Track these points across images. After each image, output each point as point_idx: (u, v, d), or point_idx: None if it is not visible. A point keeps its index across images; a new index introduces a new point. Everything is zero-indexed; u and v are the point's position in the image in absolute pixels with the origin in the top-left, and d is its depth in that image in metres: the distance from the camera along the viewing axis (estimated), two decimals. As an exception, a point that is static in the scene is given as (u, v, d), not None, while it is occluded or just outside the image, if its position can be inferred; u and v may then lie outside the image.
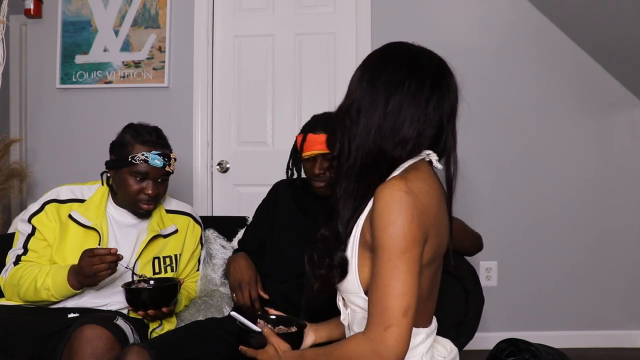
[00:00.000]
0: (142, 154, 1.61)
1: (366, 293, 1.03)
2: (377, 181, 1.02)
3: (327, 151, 1.55)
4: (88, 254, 1.45)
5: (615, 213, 2.70)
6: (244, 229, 1.92)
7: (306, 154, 1.60)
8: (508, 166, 2.64)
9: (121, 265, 1.50)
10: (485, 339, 1.92)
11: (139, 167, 1.61)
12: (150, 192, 1.63)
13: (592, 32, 2.56)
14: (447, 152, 1.08)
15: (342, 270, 1.04)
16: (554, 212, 2.69)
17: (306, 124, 1.68)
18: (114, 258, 1.43)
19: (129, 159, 1.61)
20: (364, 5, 2.66)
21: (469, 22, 2.68)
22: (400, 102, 1.02)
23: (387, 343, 0.94)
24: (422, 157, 1.05)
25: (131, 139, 1.65)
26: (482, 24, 2.68)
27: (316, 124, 1.62)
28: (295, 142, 1.69)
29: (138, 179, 1.62)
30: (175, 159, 1.70)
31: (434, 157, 1.06)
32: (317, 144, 1.58)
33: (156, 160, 1.62)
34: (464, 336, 1.67)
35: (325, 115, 1.66)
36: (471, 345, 1.59)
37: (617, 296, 2.71)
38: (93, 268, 1.43)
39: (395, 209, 0.95)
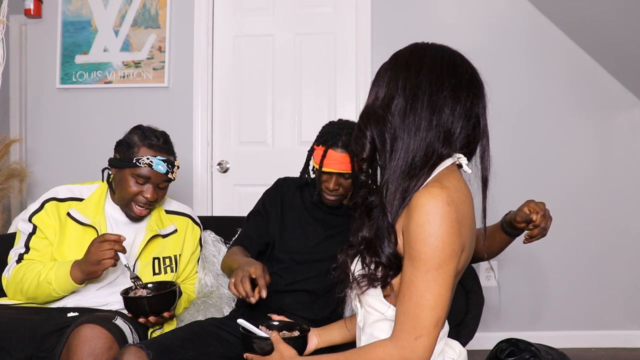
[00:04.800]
0: (147, 158, 1.61)
1: (385, 296, 1.04)
2: (421, 179, 1.01)
3: (347, 171, 1.57)
4: (99, 240, 1.48)
5: (616, 213, 2.70)
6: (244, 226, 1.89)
7: (325, 169, 1.59)
8: (507, 166, 2.64)
9: (123, 258, 1.50)
10: (485, 339, 1.91)
11: (141, 170, 1.61)
12: (149, 195, 1.64)
13: (592, 32, 2.56)
14: (482, 148, 1.08)
15: (397, 266, 1.02)
16: (553, 211, 2.67)
17: (326, 135, 1.61)
18: (120, 247, 1.47)
19: (134, 161, 1.61)
20: (364, 5, 2.66)
21: (468, 22, 2.68)
22: (445, 98, 1.01)
23: (417, 352, 0.95)
24: (454, 161, 1.05)
25: (138, 140, 1.65)
26: (481, 24, 2.68)
27: (337, 139, 1.57)
28: (312, 149, 1.67)
29: (139, 182, 1.63)
30: (178, 167, 1.71)
31: (464, 160, 1.05)
32: (337, 163, 1.56)
33: (160, 166, 1.63)
34: (464, 336, 1.68)
35: (346, 129, 1.58)
36: (471, 345, 1.59)
37: (617, 296, 2.70)
38: (100, 253, 1.45)
39: (436, 221, 0.94)
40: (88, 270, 1.49)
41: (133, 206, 1.66)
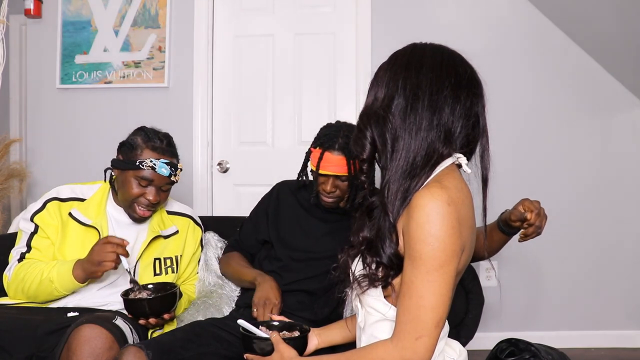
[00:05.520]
0: (151, 161, 1.61)
1: (386, 297, 1.04)
2: (422, 179, 1.01)
3: (344, 174, 1.57)
4: (102, 241, 1.48)
5: (616, 213, 2.70)
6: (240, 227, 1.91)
7: (322, 172, 1.59)
8: (507, 167, 2.63)
9: (125, 262, 1.50)
10: (485, 339, 1.91)
11: (144, 172, 1.61)
12: (151, 198, 1.64)
13: (592, 32, 2.56)
14: (482, 148, 1.08)
15: (398, 266, 1.01)
16: (553, 212, 2.67)
17: (323, 137, 1.62)
18: (123, 251, 1.47)
19: (137, 163, 1.61)
20: (364, 5, 2.66)
21: (468, 22, 2.68)
22: (445, 98, 1.01)
23: (418, 352, 0.95)
24: (453, 161, 1.05)
25: (142, 142, 1.65)
26: (481, 25, 2.68)
27: (334, 141, 1.57)
28: (309, 152, 1.67)
29: (142, 184, 1.63)
30: (181, 169, 1.70)
31: (463, 160, 1.05)
32: (334, 166, 1.57)
33: (163, 169, 1.63)
34: (464, 336, 1.67)
35: (342, 132, 1.59)
36: (471, 345, 1.59)
37: (617, 296, 2.70)
38: (102, 255, 1.45)
39: (437, 221, 0.94)
40: (89, 270, 1.50)
41: (136, 207, 1.66)
